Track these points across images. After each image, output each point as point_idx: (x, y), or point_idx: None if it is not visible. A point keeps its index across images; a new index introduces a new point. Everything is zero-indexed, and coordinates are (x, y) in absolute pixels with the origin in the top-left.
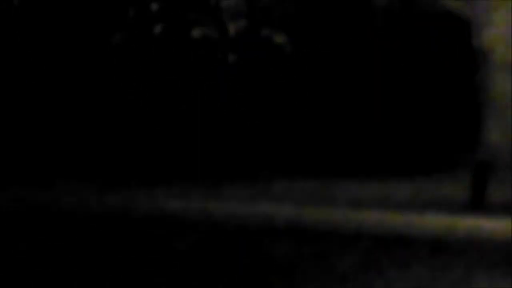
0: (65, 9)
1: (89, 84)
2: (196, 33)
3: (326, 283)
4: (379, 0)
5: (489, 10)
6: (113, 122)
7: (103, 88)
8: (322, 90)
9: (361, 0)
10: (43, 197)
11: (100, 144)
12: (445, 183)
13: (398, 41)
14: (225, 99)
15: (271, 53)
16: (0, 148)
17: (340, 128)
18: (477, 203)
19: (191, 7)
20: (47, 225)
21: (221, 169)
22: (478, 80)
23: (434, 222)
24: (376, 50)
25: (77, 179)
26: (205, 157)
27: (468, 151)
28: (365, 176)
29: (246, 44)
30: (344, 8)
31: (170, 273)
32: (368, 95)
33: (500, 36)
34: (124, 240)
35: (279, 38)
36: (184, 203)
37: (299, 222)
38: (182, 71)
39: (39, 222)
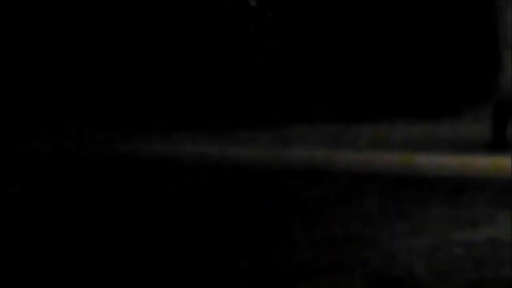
0: None
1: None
2: None
3: (349, 223)
4: None
5: None
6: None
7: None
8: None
9: None
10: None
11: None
12: (465, 124)
13: None
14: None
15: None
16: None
17: (361, 70)
18: (498, 143)
19: None
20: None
21: (234, 115)
22: (495, 17)
23: (454, 162)
24: None
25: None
26: (217, 104)
27: (488, 91)
28: (383, 119)
29: None
30: None
31: (201, 215)
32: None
33: None
34: (162, 185)
35: None
36: (207, 147)
37: (321, 164)
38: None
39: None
